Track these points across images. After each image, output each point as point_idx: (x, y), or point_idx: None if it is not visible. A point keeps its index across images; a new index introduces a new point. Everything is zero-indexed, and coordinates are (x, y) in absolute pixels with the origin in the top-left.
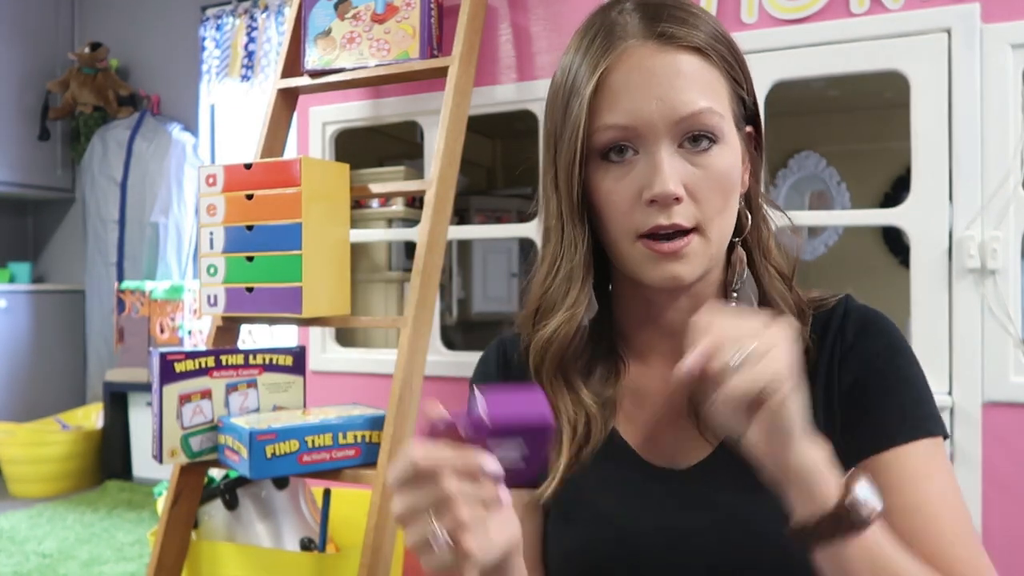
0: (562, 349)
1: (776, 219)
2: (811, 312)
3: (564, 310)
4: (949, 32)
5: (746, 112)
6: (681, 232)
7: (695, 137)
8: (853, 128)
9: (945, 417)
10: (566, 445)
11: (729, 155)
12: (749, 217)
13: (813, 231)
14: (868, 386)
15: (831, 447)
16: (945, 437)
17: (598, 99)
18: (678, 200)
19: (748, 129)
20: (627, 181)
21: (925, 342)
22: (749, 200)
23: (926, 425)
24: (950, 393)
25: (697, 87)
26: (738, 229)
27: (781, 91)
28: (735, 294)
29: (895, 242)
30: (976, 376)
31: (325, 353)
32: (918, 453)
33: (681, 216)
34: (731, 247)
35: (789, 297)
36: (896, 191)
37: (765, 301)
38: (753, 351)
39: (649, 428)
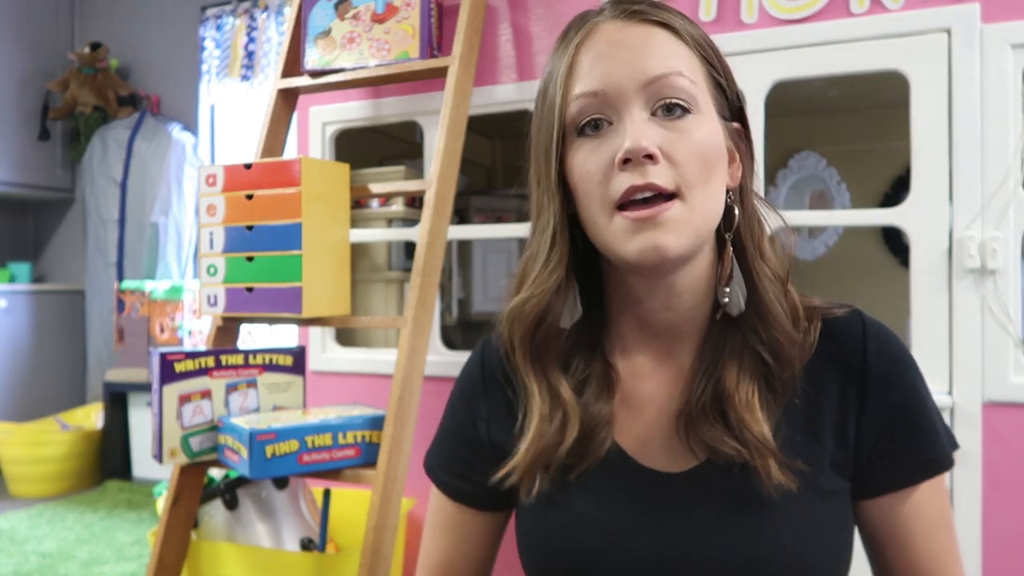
0: (529, 327)
1: (771, 220)
2: (818, 319)
3: (529, 286)
4: (949, 32)
5: (730, 105)
6: (660, 196)
7: (669, 106)
8: (853, 128)
9: (945, 417)
10: (532, 436)
11: (707, 126)
12: (738, 213)
13: (813, 231)
14: (894, 416)
15: (829, 457)
16: (955, 448)
17: (571, 77)
18: (652, 159)
19: (735, 125)
20: (601, 150)
21: (925, 342)
22: (741, 197)
23: (941, 462)
24: (950, 393)
25: (666, 53)
26: (728, 224)
27: (781, 91)
28: (727, 290)
29: (895, 242)
30: (976, 376)
31: (325, 353)
32: (932, 488)
33: (657, 176)
34: (723, 244)
35: (784, 300)
36: (896, 191)
37: (754, 302)
38: None
39: (642, 433)
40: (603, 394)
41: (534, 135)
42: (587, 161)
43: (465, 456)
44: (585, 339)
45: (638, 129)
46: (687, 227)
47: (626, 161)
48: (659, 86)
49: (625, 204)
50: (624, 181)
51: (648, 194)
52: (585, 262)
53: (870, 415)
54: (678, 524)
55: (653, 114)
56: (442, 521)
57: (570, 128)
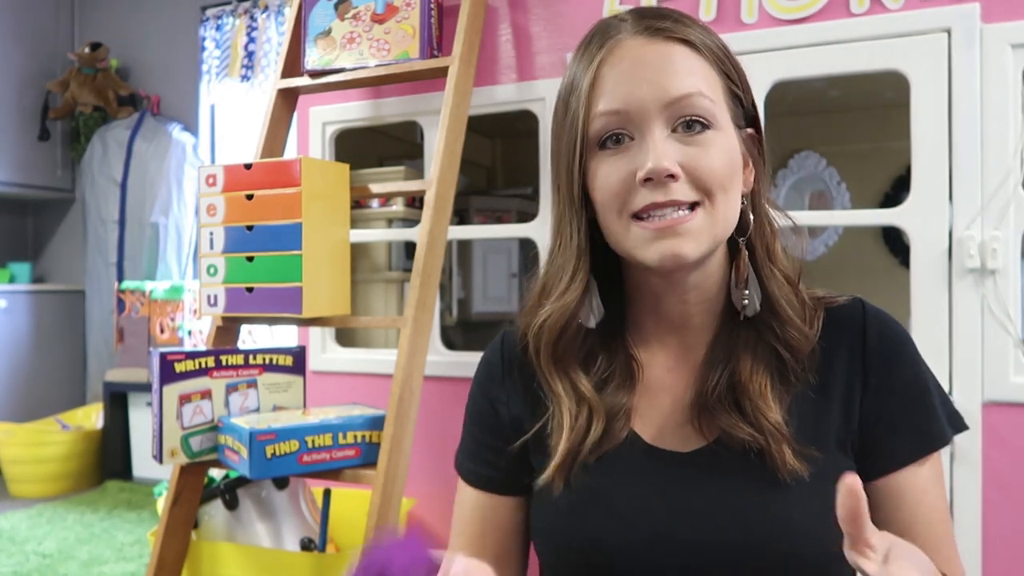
0: (553, 336)
1: (779, 221)
2: (821, 309)
3: (555, 299)
4: (949, 32)
5: (745, 113)
6: (680, 207)
7: (689, 123)
8: (853, 128)
9: None
10: (565, 435)
11: (725, 141)
12: (752, 218)
13: (813, 231)
14: (895, 398)
15: (838, 440)
16: (965, 428)
17: (594, 92)
18: (673, 178)
19: (749, 131)
20: (621, 164)
21: (925, 342)
22: (753, 201)
23: (938, 438)
24: (950, 393)
25: (687, 72)
26: (741, 229)
27: (781, 91)
28: (746, 292)
29: (895, 242)
30: (976, 376)
31: (325, 353)
32: (929, 465)
33: (679, 193)
34: (736, 247)
35: (795, 300)
36: (896, 191)
37: (768, 302)
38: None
39: (658, 420)
40: (625, 384)
41: (554, 143)
42: (609, 175)
43: (488, 441)
44: (608, 333)
45: (659, 150)
46: (706, 234)
47: (647, 180)
48: (680, 106)
49: (642, 214)
50: (645, 198)
51: (668, 209)
52: (605, 260)
53: (872, 396)
54: (689, 501)
55: (673, 130)
56: (468, 516)
57: (592, 142)
